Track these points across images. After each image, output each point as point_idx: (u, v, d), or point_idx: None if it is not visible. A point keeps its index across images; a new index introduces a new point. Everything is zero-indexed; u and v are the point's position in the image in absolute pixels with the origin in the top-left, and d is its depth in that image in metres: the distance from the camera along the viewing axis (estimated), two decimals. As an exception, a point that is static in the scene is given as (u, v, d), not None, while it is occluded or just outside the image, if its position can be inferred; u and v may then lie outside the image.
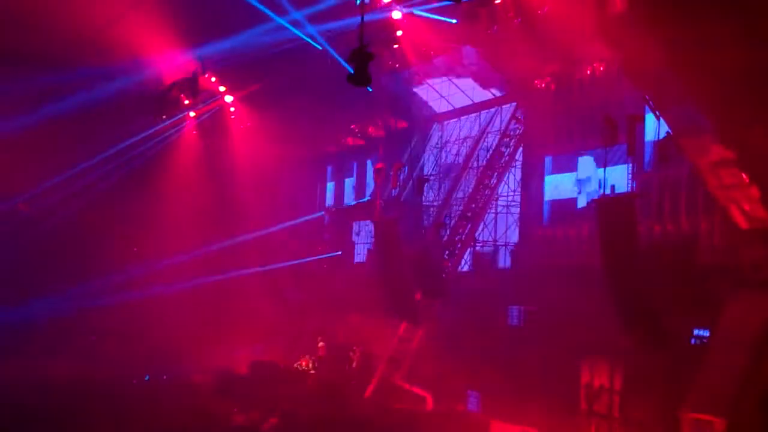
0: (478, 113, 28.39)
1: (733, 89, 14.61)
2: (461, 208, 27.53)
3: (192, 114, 30.72)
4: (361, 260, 33.16)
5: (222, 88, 29.45)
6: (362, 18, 17.46)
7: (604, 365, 20.79)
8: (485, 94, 27.54)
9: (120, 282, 29.44)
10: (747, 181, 16.13)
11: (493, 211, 27.09)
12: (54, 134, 26.45)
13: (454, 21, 22.75)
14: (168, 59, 26.46)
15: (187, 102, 29.61)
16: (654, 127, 20.04)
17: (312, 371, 28.47)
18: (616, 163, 20.37)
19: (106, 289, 29.28)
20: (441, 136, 30.26)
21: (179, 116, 30.47)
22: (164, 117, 30.03)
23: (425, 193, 28.29)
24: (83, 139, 27.89)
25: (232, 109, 30.54)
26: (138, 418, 21.76)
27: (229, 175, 32.40)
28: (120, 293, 29.19)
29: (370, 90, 23.91)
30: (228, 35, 24.54)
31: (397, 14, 22.97)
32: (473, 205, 27.00)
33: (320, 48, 24.71)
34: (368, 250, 31.96)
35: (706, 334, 18.47)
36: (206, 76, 28.12)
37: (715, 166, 16.72)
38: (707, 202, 18.50)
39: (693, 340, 18.89)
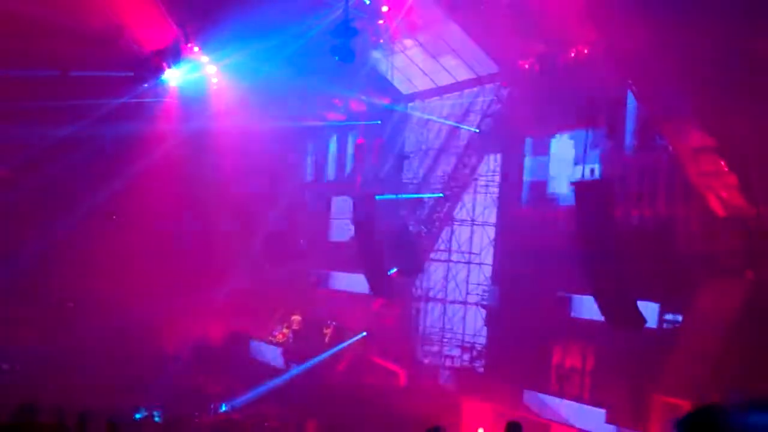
0: (460, 92, 28.28)
1: (715, 75, 14.66)
2: (440, 186, 27.52)
3: (173, 84, 30.36)
4: (339, 236, 33.08)
5: (204, 58, 29.09)
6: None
7: (575, 347, 20.94)
8: (469, 73, 27.43)
9: (95, 251, 29.12)
10: (725, 168, 16.21)
11: (472, 190, 27.10)
12: (31, 101, 25.99)
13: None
14: (150, 26, 26.09)
15: (168, 71, 29.25)
16: (635, 112, 20.13)
17: (284, 345, 28.50)
18: (596, 147, 20.41)
19: (81, 259, 28.99)
20: (423, 114, 30.12)
21: (160, 85, 30.12)
22: (145, 85, 29.68)
23: (405, 170, 28.23)
24: (60, 106, 27.44)
25: (214, 80, 30.19)
26: (112, 389, 21.73)
27: (209, 146, 32.08)
28: (95, 263, 28.88)
29: (354, 65, 23.76)
30: (212, 5, 24.25)
31: (383, -11, 22.83)
32: (452, 184, 27.00)
33: (305, 22, 24.48)
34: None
35: (679, 318, 18.65)
36: (189, 45, 27.77)
37: (695, 152, 16.80)
38: (686, 188, 18.57)
39: (665, 325, 19.07)
